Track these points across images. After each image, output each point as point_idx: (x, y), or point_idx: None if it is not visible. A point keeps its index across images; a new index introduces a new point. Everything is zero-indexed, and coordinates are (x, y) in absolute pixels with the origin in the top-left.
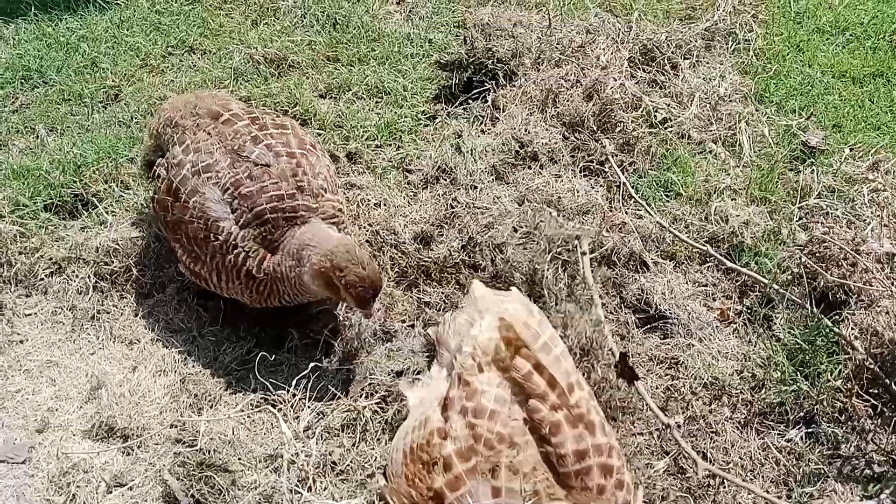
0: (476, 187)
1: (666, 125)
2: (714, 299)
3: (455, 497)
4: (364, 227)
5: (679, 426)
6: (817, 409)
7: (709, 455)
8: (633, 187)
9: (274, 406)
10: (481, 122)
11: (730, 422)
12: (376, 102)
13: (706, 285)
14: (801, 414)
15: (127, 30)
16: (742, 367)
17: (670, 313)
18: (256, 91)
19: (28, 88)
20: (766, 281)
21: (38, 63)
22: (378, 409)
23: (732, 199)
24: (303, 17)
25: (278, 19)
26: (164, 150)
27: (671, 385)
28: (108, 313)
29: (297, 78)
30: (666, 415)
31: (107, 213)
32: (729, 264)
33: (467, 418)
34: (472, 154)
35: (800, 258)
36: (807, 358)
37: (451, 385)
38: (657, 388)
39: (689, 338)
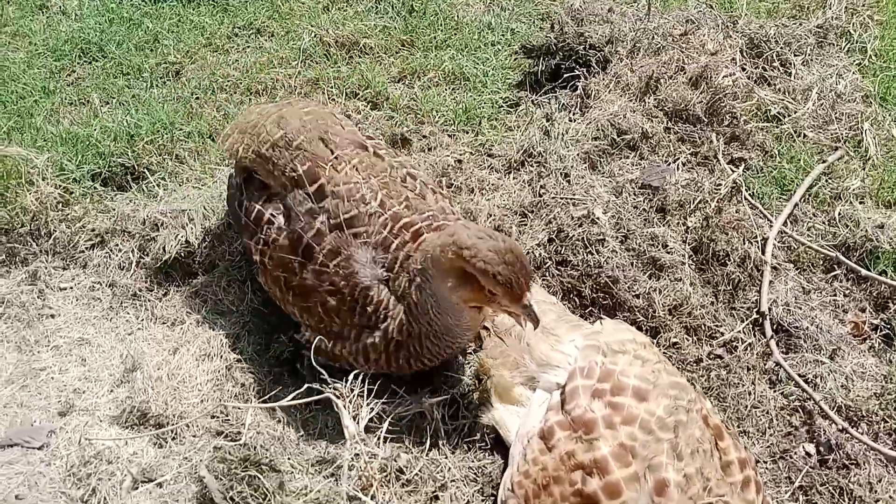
0: (567, 175)
1: (780, 122)
2: (845, 311)
3: None
4: None
5: (809, 455)
6: None
7: (849, 490)
8: (745, 184)
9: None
10: (570, 111)
11: (873, 453)
12: (454, 89)
13: (835, 295)
14: None
15: (193, 9)
16: (883, 390)
17: (795, 325)
18: (325, 73)
19: (86, 62)
20: None
21: (98, 37)
22: (448, 414)
23: (861, 203)
24: (377, 3)
25: (351, 5)
26: (269, 182)
27: (799, 406)
28: (150, 291)
29: (368, 62)
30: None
31: (158, 185)
32: (864, 272)
33: (606, 398)
34: (562, 139)
35: None
36: None
37: (568, 379)
38: (781, 409)
39: (819, 354)
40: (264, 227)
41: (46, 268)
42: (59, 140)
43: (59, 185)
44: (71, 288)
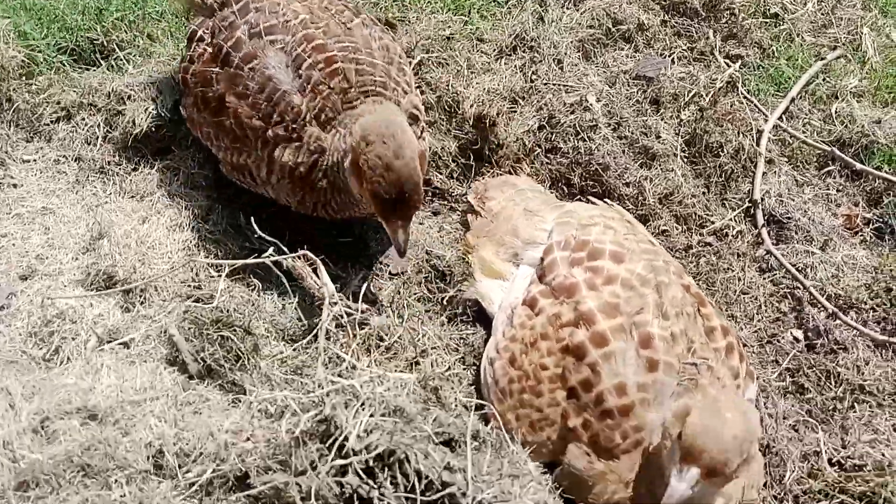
0: (560, 62)
1: (778, 20)
2: (838, 205)
3: (601, 354)
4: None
5: (797, 340)
6: None
7: (836, 373)
8: (741, 80)
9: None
10: (563, 4)
11: (861, 338)
12: None
13: (829, 190)
14: None
15: None
16: (873, 281)
17: (787, 216)
18: None
19: None
20: None
21: None
22: (430, 288)
23: (858, 101)
24: None
25: None
26: (203, 13)
27: (789, 293)
28: (119, 165)
29: None
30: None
31: (127, 61)
32: (858, 165)
33: (585, 264)
34: (556, 25)
35: None
36: None
37: (544, 253)
38: (770, 295)
39: (810, 244)
40: (193, 45)
41: (9, 137)
42: (21, 8)
43: (23, 52)
44: (35, 160)
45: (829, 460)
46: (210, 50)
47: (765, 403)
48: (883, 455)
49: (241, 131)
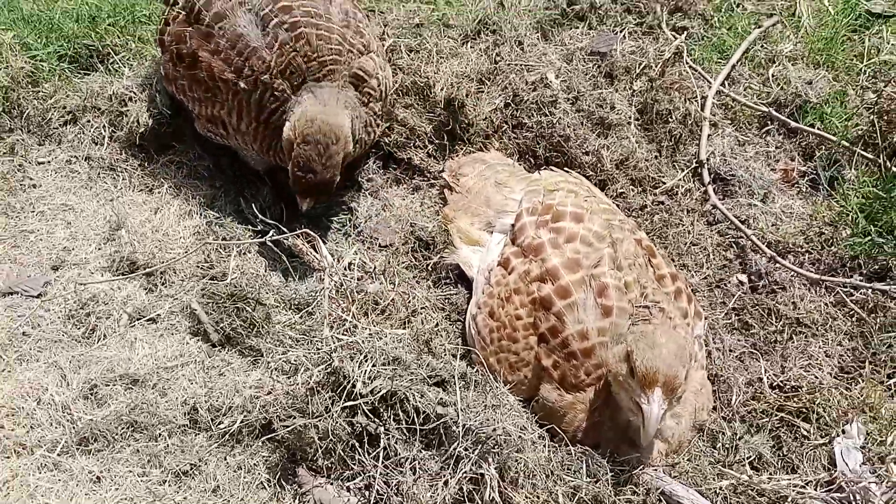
0: (521, 43)
1: None
2: (776, 161)
3: (565, 305)
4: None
5: (741, 283)
6: (893, 262)
7: (776, 309)
8: (687, 51)
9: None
10: None
11: (798, 278)
12: None
13: (768, 147)
14: (876, 267)
15: None
16: (807, 227)
17: (731, 174)
18: None
19: None
20: (833, 138)
21: None
22: (417, 255)
23: (793, 64)
24: None
25: None
26: None
27: (734, 242)
28: (126, 162)
29: None
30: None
31: (123, 65)
32: (793, 124)
33: (549, 225)
34: (515, 9)
35: (873, 109)
36: (879, 210)
37: (515, 219)
38: (717, 245)
39: (751, 198)
40: (168, 9)
41: (24, 142)
42: (21, 21)
43: (28, 62)
44: (49, 162)
45: (770, 385)
46: (183, 12)
47: (713, 339)
48: (815, 377)
49: (213, 83)
